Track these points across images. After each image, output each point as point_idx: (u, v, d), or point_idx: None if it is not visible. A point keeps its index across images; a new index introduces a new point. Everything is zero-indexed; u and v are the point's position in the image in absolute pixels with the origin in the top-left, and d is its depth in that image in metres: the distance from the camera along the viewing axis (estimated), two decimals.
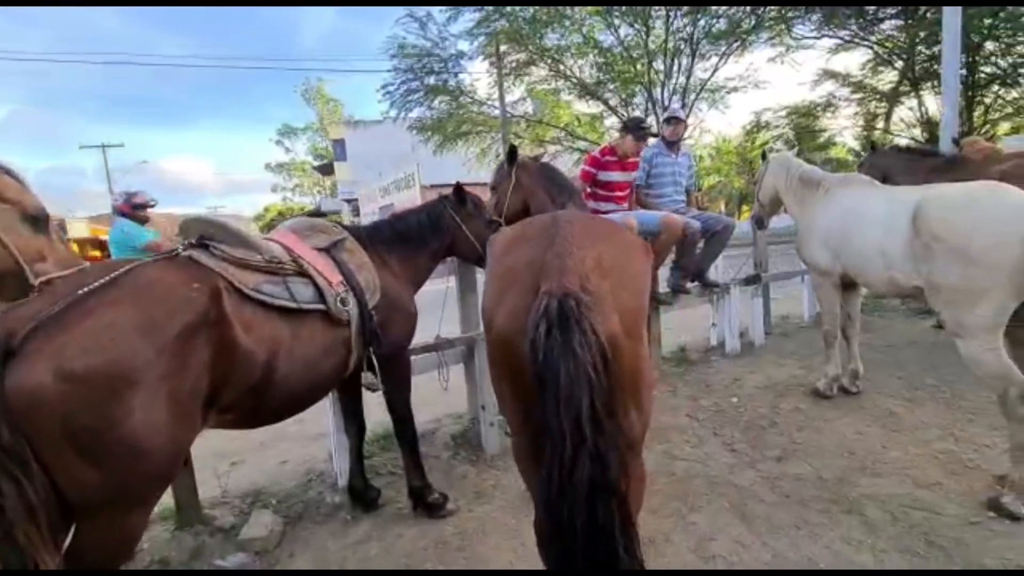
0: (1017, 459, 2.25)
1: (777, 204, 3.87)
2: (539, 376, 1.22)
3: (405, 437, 2.47)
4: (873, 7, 15.66)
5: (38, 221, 1.67)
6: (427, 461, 3.03)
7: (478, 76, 22.75)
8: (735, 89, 17.55)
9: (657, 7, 15.71)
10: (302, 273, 1.94)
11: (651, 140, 4.03)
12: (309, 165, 43.79)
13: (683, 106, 17.59)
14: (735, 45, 16.64)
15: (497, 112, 19.07)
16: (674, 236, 3.72)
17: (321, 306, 1.94)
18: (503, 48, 17.54)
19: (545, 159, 3.39)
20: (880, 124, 18.55)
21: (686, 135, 19.19)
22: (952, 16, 5.01)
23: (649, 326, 1.87)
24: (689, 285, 4.20)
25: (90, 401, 1.28)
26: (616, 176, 3.88)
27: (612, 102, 18.67)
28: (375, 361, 2.15)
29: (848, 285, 3.35)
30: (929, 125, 15.59)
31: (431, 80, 18.16)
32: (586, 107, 20.74)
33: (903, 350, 4.18)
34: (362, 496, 2.56)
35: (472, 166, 20.77)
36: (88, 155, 29.53)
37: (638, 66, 17.07)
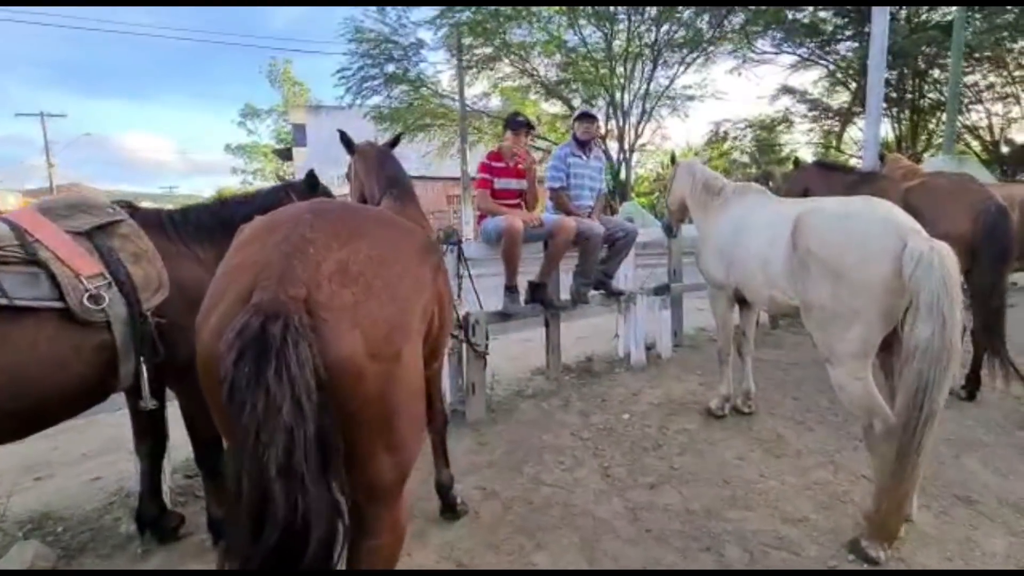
0: (878, 499, 2.07)
1: (684, 211, 3.67)
2: (228, 415, 0.95)
3: (205, 461, 2.11)
4: (830, 28, 16.04)
5: None
6: None
7: (441, 68, 22.25)
8: (692, 98, 17.65)
9: (620, 9, 15.62)
10: (33, 262, 1.57)
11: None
12: (270, 149, 42.13)
13: (644, 111, 17.65)
14: (697, 54, 16.73)
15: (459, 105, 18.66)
16: (566, 239, 3.47)
17: (58, 303, 1.57)
18: (468, 41, 17.17)
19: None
20: (834, 142, 19.09)
21: (643, 140, 19.07)
22: (880, 24, 4.96)
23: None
24: (592, 293, 3.96)
25: None
26: (511, 183, 3.62)
27: (575, 103, 18.55)
28: (144, 372, 1.78)
29: (744, 300, 3.17)
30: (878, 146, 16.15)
31: (390, 68, 17.61)
32: (551, 107, 20.64)
33: (807, 369, 4.05)
34: (156, 525, 2.19)
35: (432, 159, 20.35)
36: (37, 125, 27.69)
37: (600, 68, 16.97)
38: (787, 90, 18.20)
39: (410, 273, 1.23)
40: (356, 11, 16.51)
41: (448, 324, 1.66)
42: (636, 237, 3.96)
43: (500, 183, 3.59)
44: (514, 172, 3.61)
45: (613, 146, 18.55)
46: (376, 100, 18.27)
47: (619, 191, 18.37)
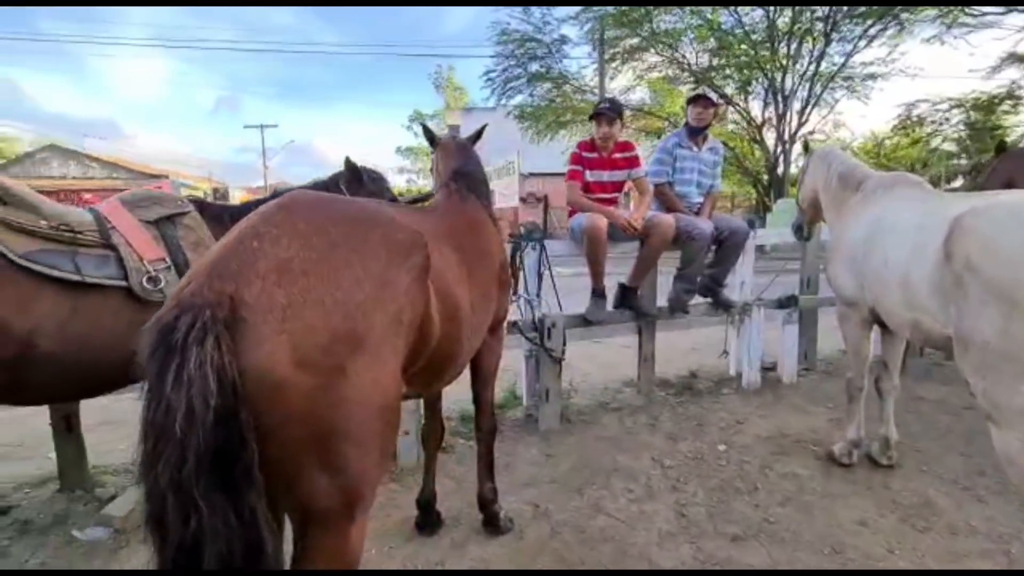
0: None
1: (818, 209, 3.02)
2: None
3: None
4: None
5: None
6: None
7: (584, 63, 22.01)
8: (874, 76, 14.89)
9: None
10: (107, 245, 1.77)
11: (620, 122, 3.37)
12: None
13: (810, 95, 15.46)
14: (884, 24, 14.09)
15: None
16: (663, 240, 3.06)
17: (122, 282, 1.75)
18: (613, 34, 16.69)
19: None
20: None
21: (808, 128, 16.70)
22: None
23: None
24: (696, 301, 3.47)
25: None
26: (604, 176, 3.30)
27: (728, 90, 16.91)
28: None
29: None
30: None
31: (533, 67, 17.82)
32: None
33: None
34: None
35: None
36: (268, 134, 34.95)
37: (759, 50, 15.20)
38: (1016, 59, 14.44)
39: (373, 276, 1.08)
40: (502, 14, 16.93)
41: (463, 332, 1.50)
42: (747, 238, 3.38)
43: (592, 175, 3.31)
44: (609, 163, 3.29)
45: (770, 136, 16.59)
46: (519, 99, 18.65)
47: (775, 187, 16.39)
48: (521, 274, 3.05)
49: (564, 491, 2.56)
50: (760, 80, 15.81)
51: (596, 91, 17.66)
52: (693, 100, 3.48)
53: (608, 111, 3.17)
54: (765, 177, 17.18)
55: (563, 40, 16.98)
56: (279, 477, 1.01)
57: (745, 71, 15.75)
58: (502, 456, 2.89)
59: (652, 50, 17.01)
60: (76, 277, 1.66)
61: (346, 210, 1.22)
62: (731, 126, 18.69)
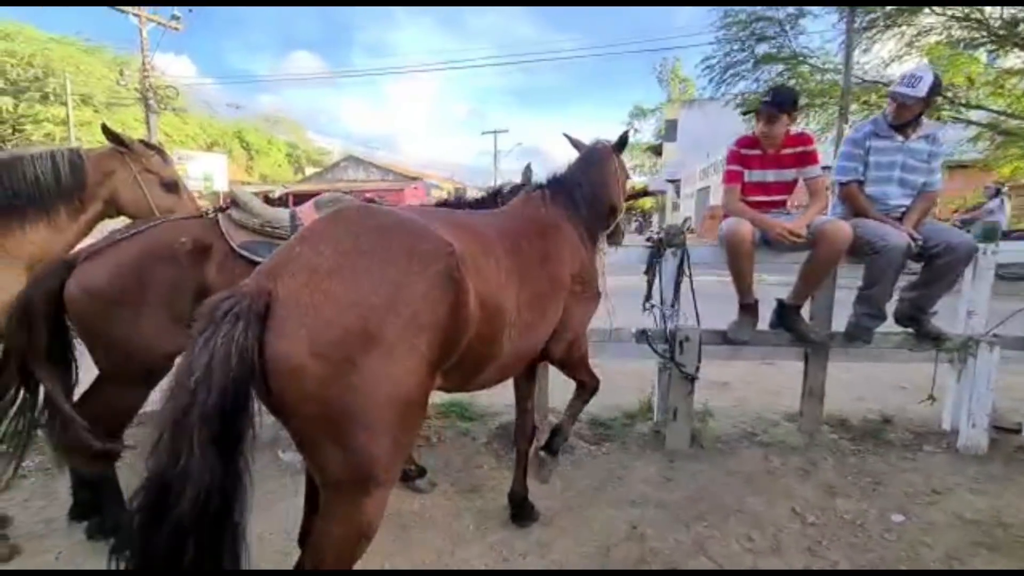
0: None
1: None
2: None
3: None
4: None
5: (171, 186, 2.54)
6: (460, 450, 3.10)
7: (828, 37, 18.61)
8: None
9: None
10: None
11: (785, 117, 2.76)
12: (646, 146, 44.58)
13: None
14: None
15: (854, 79, 15.27)
16: (835, 250, 2.52)
17: None
18: None
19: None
20: None
21: None
22: None
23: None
24: (889, 328, 2.75)
25: (93, 298, 1.89)
26: (768, 176, 2.86)
27: None
28: None
29: None
30: None
31: (762, 48, 15.86)
32: (1006, 61, 14.49)
33: None
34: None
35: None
36: (501, 139, 40.75)
37: None
38: None
39: (390, 281, 1.21)
40: None
41: (502, 334, 1.56)
42: (970, 256, 2.52)
43: (753, 176, 2.89)
44: (774, 161, 2.83)
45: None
46: (741, 87, 16.84)
47: None
48: (657, 282, 2.88)
49: (669, 520, 2.37)
50: None
51: (841, 68, 14.90)
52: (894, 95, 2.70)
53: (768, 107, 2.72)
54: None
55: (800, 13, 14.71)
56: (303, 446, 1.23)
57: None
58: (617, 468, 2.81)
59: (928, 9, 13.55)
60: None
61: (382, 221, 1.35)
62: None
